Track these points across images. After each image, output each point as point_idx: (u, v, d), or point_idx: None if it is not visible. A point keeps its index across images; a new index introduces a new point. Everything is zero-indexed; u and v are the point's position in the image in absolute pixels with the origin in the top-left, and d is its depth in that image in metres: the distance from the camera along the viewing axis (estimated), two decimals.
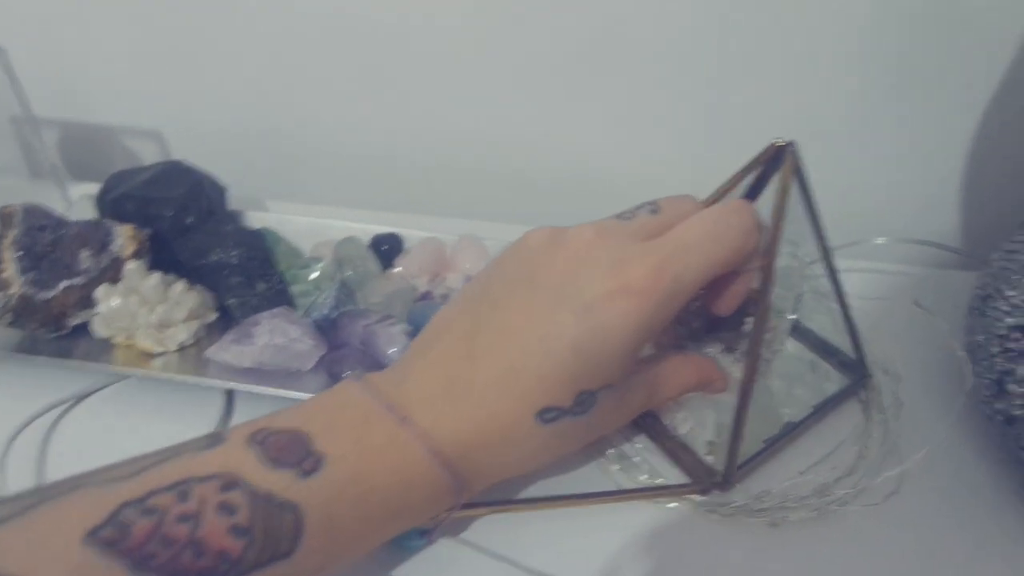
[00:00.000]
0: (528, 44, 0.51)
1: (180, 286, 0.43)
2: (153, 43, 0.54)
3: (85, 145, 0.60)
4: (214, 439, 0.28)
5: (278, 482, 0.26)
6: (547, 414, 0.30)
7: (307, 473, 0.27)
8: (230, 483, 0.25)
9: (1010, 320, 0.36)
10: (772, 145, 0.35)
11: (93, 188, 0.48)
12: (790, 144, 0.34)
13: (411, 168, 0.59)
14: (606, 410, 0.32)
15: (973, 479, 0.39)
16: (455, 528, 0.35)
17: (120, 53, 0.55)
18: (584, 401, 0.30)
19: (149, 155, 0.59)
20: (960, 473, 0.39)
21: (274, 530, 0.25)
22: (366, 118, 0.56)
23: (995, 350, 0.36)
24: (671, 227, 0.32)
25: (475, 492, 0.32)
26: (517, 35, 0.51)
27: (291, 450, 0.27)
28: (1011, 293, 0.36)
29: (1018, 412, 0.35)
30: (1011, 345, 0.35)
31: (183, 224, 0.45)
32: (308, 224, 0.50)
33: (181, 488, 0.25)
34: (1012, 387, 0.35)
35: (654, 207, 0.33)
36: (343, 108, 0.56)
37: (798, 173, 0.35)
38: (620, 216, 0.33)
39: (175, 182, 0.46)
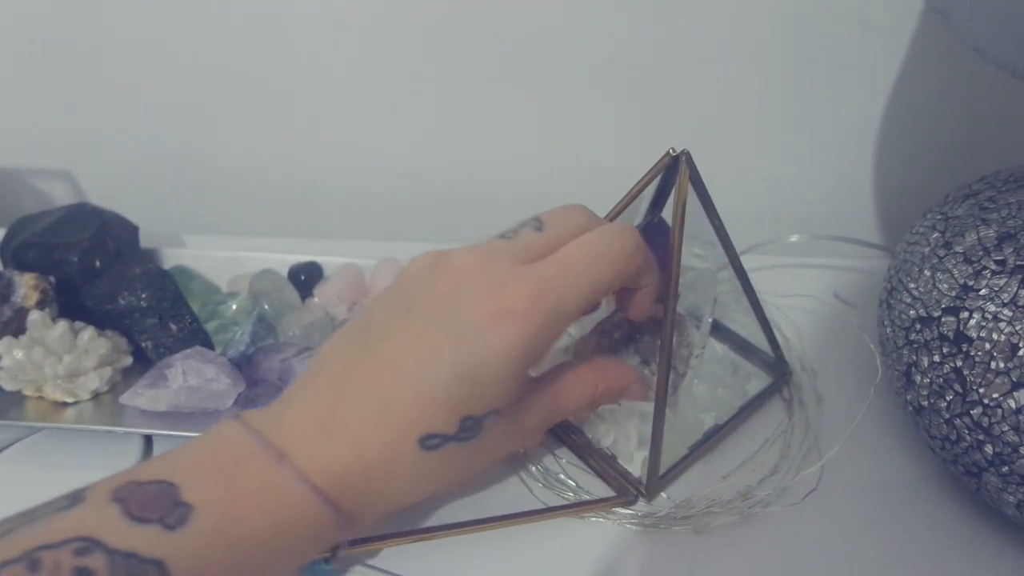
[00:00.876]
0: (434, 69, 0.51)
1: (88, 333, 0.41)
2: (55, 81, 0.53)
3: None
4: (74, 498, 0.26)
5: (141, 540, 0.25)
6: (430, 441, 0.29)
7: (173, 527, 0.25)
8: (86, 547, 0.24)
9: (912, 312, 0.36)
10: (668, 154, 0.35)
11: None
12: (683, 152, 0.34)
13: (328, 194, 0.58)
14: (497, 434, 0.31)
15: (887, 470, 0.40)
16: (376, 559, 0.35)
17: (20, 92, 0.53)
18: (470, 427, 0.30)
19: (59, 196, 0.58)
20: (875, 465, 0.40)
21: None
22: (279, 147, 0.56)
23: (901, 342, 0.37)
24: (555, 245, 0.31)
25: (368, 523, 0.31)
26: (422, 62, 0.51)
27: (156, 504, 0.26)
28: (912, 285, 0.37)
29: (925, 402, 0.35)
30: (915, 337, 0.36)
31: (91, 268, 0.44)
32: (225, 258, 0.49)
33: (32, 557, 0.23)
34: (918, 378, 0.36)
35: (538, 224, 0.32)
36: (256, 138, 0.55)
37: (695, 180, 0.35)
38: (503, 235, 0.32)
39: (80, 225, 0.45)
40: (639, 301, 0.35)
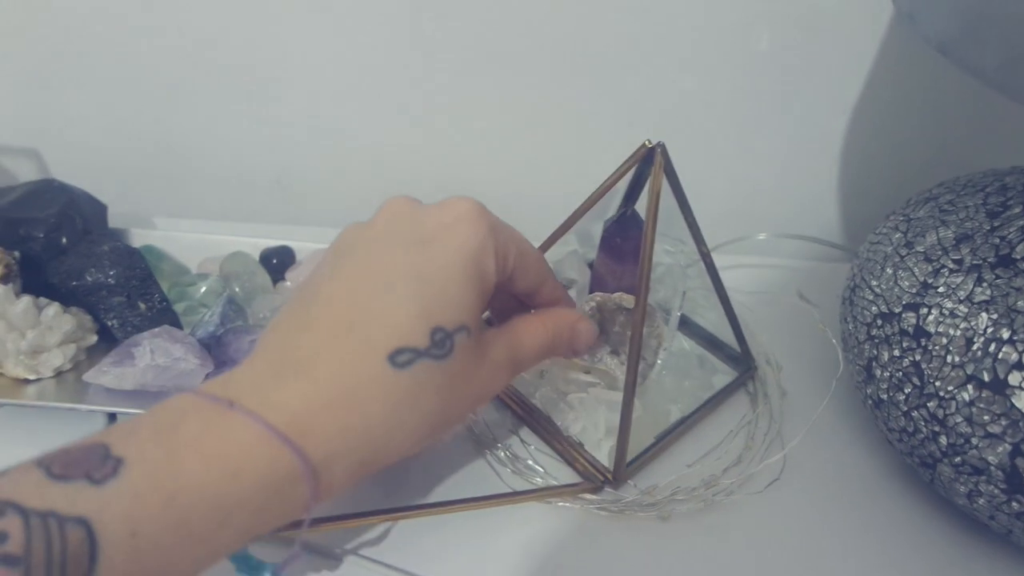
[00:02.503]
0: (409, 59, 0.51)
1: (53, 309, 0.41)
2: (26, 59, 0.52)
3: None
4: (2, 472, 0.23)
5: (61, 497, 0.22)
6: (400, 356, 0.27)
7: (99, 481, 0.22)
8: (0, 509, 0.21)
9: (874, 308, 0.37)
10: (643, 146, 0.36)
11: None
12: (658, 145, 0.35)
13: (302, 181, 0.58)
14: (469, 360, 0.29)
15: (847, 461, 0.41)
16: (343, 539, 0.35)
17: None
18: (441, 341, 0.28)
19: (25, 175, 0.56)
20: (836, 456, 0.41)
21: (58, 554, 0.21)
22: (254, 133, 0.55)
23: (862, 337, 0.38)
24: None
25: (340, 479, 0.27)
26: (397, 51, 0.51)
27: (82, 462, 0.23)
28: (875, 282, 0.38)
29: (884, 396, 0.36)
30: (876, 332, 0.37)
31: (57, 245, 0.43)
32: (196, 240, 0.49)
33: None
34: (878, 372, 0.37)
35: None
36: (229, 123, 0.55)
37: (669, 173, 0.36)
38: None
39: (47, 201, 0.44)
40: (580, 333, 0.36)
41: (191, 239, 0.49)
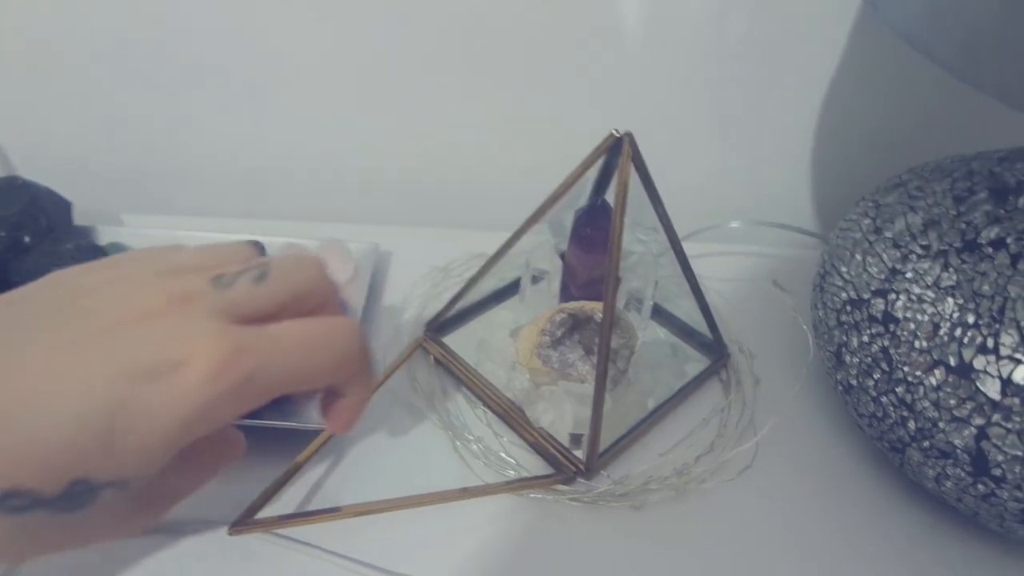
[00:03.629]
0: (383, 53, 0.50)
1: None
2: None
3: None
4: None
5: None
6: (12, 500, 0.20)
7: None
8: None
9: (844, 295, 0.38)
10: (611, 135, 0.36)
11: None
12: (626, 135, 0.35)
13: (271, 174, 0.57)
14: (108, 512, 0.23)
15: (818, 446, 0.41)
16: (316, 535, 0.35)
17: None
18: (78, 495, 0.21)
19: None
20: (807, 442, 0.41)
21: None
22: (223, 126, 0.54)
23: (832, 323, 0.38)
24: (272, 304, 0.25)
25: None
26: (371, 46, 0.50)
27: None
28: (844, 269, 0.38)
29: (854, 381, 0.37)
30: (845, 318, 0.37)
31: (20, 244, 0.43)
32: (164, 236, 0.48)
33: None
34: (848, 358, 0.37)
35: (261, 274, 0.25)
36: (200, 118, 0.54)
37: (637, 163, 0.36)
38: (219, 279, 0.24)
39: (10, 199, 0.44)
40: (344, 411, 0.28)
41: (159, 235, 0.48)
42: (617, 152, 0.36)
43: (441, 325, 0.45)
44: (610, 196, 0.39)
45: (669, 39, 0.49)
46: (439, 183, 0.56)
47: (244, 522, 0.35)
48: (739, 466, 0.39)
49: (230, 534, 0.34)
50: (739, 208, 0.53)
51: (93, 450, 0.21)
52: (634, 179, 0.36)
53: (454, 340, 0.45)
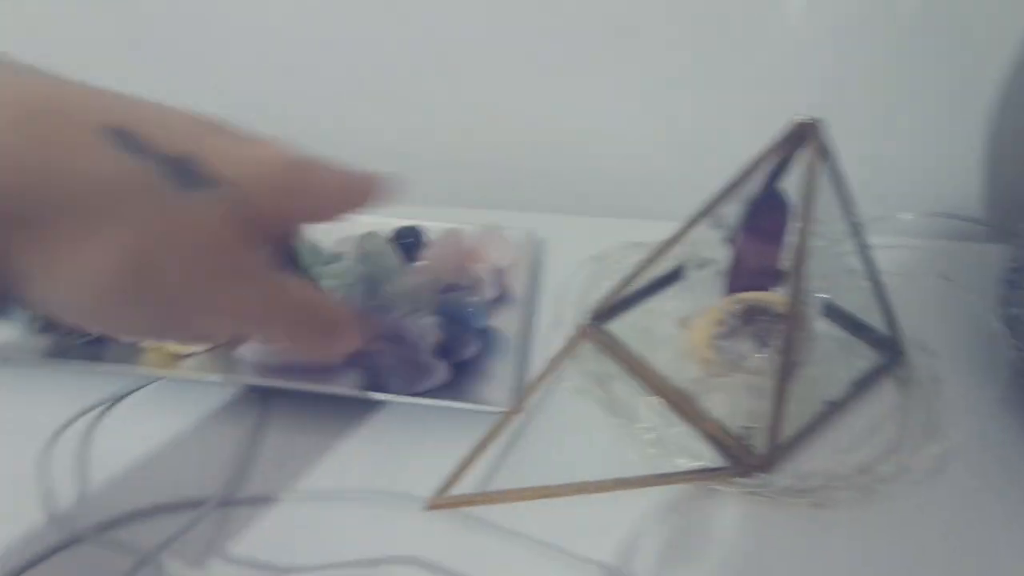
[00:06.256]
0: (536, 31, 0.50)
1: None
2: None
3: None
4: None
5: None
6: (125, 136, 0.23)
7: None
8: None
9: None
10: (794, 122, 0.34)
11: None
12: (816, 122, 0.34)
13: (429, 161, 0.58)
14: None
15: (1015, 454, 0.39)
16: (494, 515, 0.35)
17: None
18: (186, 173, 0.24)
19: None
20: (1005, 448, 0.39)
21: None
22: (379, 114, 0.56)
23: None
24: None
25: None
26: (523, 22, 0.50)
27: None
28: None
29: None
30: None
31: None
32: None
33: None
34: None
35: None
36: (354, 108, 0.56)
37: (825, 152, 0.34)
38: None
39: None
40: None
41: None
42: (798, 141, 0.35)
43: (604, 313, 0.45)
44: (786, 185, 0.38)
45: (838, 18, 0.47)
46: (595, 172, 0.56)
47: (441, 498, 0.36)
48: (926, 469, 0.37)
49: (429, 508, 0.35)
50: (911, 199, 0.51)
51: None
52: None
53: (615, 329, 0.44)
